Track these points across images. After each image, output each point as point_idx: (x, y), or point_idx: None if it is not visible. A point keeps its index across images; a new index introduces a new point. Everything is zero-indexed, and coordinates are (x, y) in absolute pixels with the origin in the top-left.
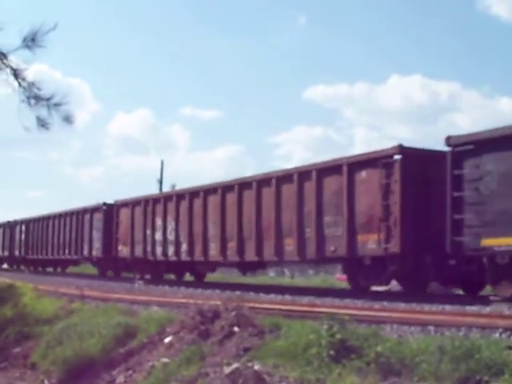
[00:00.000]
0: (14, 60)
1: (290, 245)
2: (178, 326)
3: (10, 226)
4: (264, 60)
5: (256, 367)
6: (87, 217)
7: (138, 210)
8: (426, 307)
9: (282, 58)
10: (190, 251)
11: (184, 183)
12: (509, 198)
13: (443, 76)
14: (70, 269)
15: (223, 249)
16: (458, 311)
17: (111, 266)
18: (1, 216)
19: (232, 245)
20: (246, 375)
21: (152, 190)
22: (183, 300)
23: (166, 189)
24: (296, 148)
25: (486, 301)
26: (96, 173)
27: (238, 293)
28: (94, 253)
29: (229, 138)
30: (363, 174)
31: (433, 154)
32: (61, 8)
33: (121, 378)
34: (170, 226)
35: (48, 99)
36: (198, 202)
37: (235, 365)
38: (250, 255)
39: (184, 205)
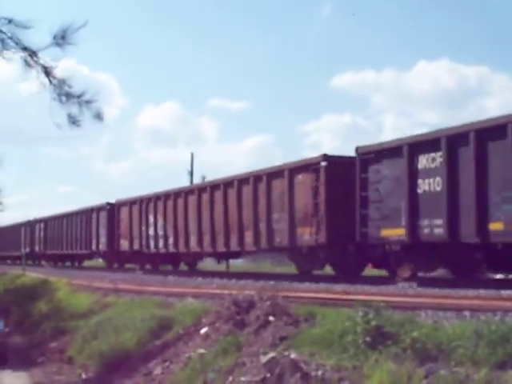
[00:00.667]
0: (43, 57)
1: (248, 237)
2: (214, 317)
3: (31, 224)
4: (290, 49)
5: (292, 356)
6: (94, 215)
7: (135, 209)
8: (461, 292)
9: (309, 47)
10: (175, 244)
11: (214, 174)
12: (398, 197)
13: (471, 60)
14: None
15: (200, 241)
16: (494, 296)
17: (116, 259)
18: (34, 212)
19: (207, 238)
20: (283, 364)
21: (182, 182)
22: (217, 291)
23: (197, 181)
24: (325, 136)
25: None
26: (125, 167)
27: (271, 282)
28: (101, 247)
29: (257, 128)
30: (300, 177)
31: (352, 161)
32: (87, 2)
33: (158, 370)
34: (160, 222)
35: (79, 96)
36: (180, 202)
37: (272, 354)
38: (220, 246)
39: (170, 204)
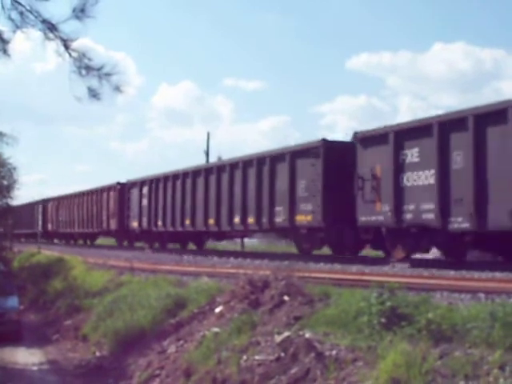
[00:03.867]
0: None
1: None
2: (229, 296)
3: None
4: (306, 30)
5: (307, 335)
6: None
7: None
8: (476, 274)
9: (324, 28)
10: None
11: (230, 154)
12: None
13: (487, 43)
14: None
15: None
16: (509, 278)
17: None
18: (51, 190)
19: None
20: (297, 343)
21: (198, 161)
22: (232, 270)
23: (213, 160)
24: (340, 118)
25: None
26: (141, 146)
27: (286, 262)
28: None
29: (273, 108)
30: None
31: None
32: None
33: (172, 348)
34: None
35: (99, 69)
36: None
37: (286, 333)
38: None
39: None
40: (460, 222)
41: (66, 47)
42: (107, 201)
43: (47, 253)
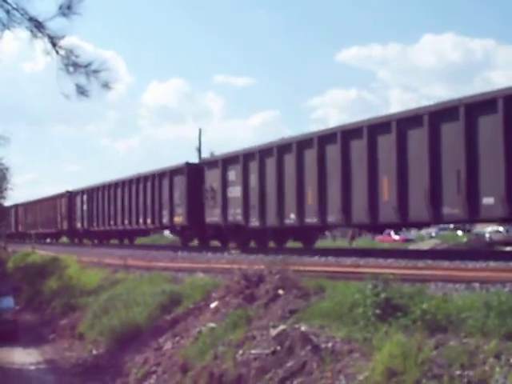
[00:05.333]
0: (50, 29)
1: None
2: (224, 291)
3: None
4: (295, 24)
5: (302, 328)
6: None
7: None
8: (470, 264)
9: (313, 21)
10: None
11: (221, 150)
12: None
13: (477, 33)
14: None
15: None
16: (503, 267)
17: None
18: (46, 190)
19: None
20: (293, 336)
21: (191, 158)
22: (227, 265)
23: (206, 155)
24: (332, 111)
25: None
26: (133, 143)
27: (280, 257)
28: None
29: (263, 104)
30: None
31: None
32: None
33: (168, 345)
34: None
35: (86, 66)
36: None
37: (282, 327)
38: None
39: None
40: (254, 222)
41: (54, 45)
42: (60, 206)
43: (42, 252)
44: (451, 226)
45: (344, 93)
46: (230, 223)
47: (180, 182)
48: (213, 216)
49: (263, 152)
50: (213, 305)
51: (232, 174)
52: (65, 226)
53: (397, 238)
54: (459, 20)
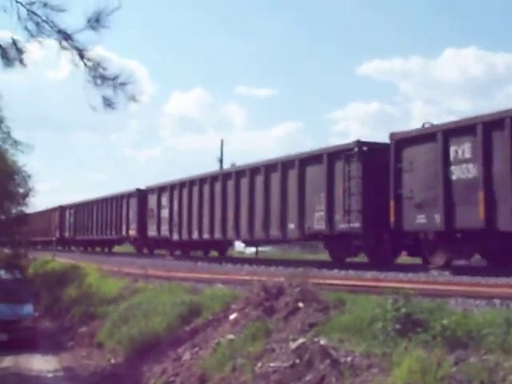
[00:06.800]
0: (78, 40)
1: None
2: (243, 303)
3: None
4: (317, 37)
5: (322, 342)
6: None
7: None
8: (491, 280)
9: (336, 34)
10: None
11: (243, 161)
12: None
13: (499, 47)
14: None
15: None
16: None
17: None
18: (66, 197)
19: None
20: (312, 350)
21: (212, 168)
22: (247, 277)
23: (227, 166)
24: (353, 124)
25: None
26: (154, 153)
27: (300, 269)
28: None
29: (284, 115)
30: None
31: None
32: None
33: (187, 355)
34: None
35: (114, 79)
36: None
37: (301, 340)
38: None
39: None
40: (175, 236)
41: (81, 57)
42: (54, 218)
43: (61, 260)
44: None
45: (365, 106)
46: (162, 236)
47: (133, 204)
48: (152, 231)
49: (180, 185)
50: (232, 316)
51: (164, 200)
52: (57, 234)
53: None
54: (482, 34)
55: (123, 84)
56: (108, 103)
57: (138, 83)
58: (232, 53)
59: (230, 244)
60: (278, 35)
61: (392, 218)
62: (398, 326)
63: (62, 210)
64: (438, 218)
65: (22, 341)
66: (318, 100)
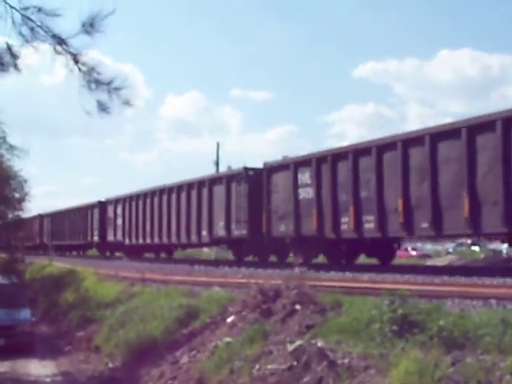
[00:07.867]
0: (72, 45)
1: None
2: (240, 306)
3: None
4: (312, 40)
5: (319, 344)
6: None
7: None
8: (487, 281)
9: (330, 37)
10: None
11: (238, 164)
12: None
13: (494, 49)
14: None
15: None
16: None
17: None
18: (61, 202)
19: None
20: (310, 352)
21: (208, 171)
22: (244, 280)
23: (223, 169)
24: (349, 126)
25: None
26: (150, 156)
27: (297, 271)
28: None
29: (280, 118)
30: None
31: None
32: None
33: (184, 359)
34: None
35: (108, 83)
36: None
37: (298, 342)
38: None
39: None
40: (127, 240)
41: (76, 61)
42: (34, 225)
43: (58, 264)
44: (468, 241)
45: (361, 108)
46: (117, 241)
47: (96, 213)
48: (110, 236)
49: (130, 198)
50: (229, 319)
51: (119, 210)
52: (37, 240)
53: (414, 253)
54: (476, 35)
55: (118, 88)
56: (102, 108)
57: (132, 87)
58: (227, 55)
59: (177, 247)
60: (273, 38)
61: (264, 228)
62: (394, 327)
63: (41, 218)
64: (291, 227)
65: (19, 346)
66: (313, 103)
